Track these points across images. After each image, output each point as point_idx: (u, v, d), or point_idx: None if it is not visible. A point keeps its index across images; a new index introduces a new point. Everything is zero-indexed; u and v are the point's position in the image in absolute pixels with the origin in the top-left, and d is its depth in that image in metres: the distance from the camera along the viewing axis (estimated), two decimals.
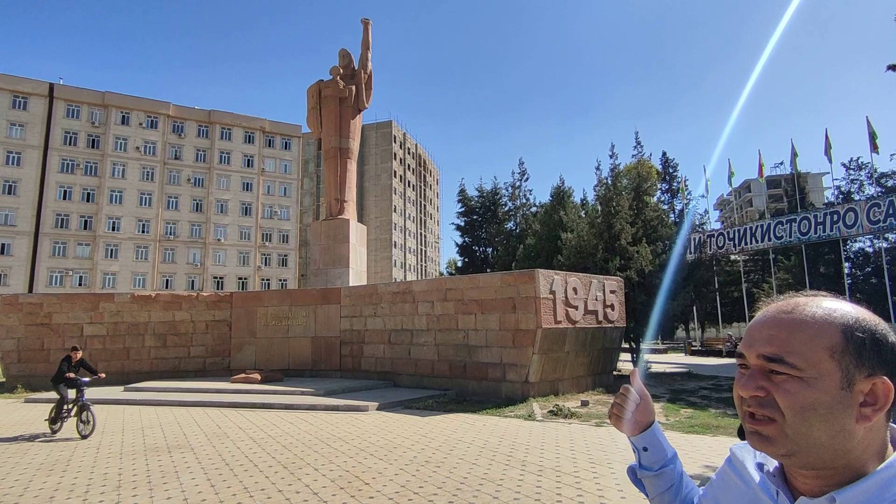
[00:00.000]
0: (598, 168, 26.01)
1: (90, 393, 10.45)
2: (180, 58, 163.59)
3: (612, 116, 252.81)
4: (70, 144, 53.88)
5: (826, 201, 38.50)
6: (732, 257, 33.17)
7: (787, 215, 28.47)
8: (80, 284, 52.08)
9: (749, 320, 0.94)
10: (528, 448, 8.16)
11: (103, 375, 10.44)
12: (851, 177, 31.13)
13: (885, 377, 0.78)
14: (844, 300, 0.86)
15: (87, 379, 9.96)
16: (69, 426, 9.73)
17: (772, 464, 0.92)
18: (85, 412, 9.32)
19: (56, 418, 9.60)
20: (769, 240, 27.76)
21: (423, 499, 5.82)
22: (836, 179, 31.44)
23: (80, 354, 10.24)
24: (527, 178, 36.31)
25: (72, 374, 9.84)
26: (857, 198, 28.37)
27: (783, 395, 0.80)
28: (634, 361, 17.95)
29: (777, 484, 0.88)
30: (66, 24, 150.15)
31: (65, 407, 9.59)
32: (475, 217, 37.38)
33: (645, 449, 1.21)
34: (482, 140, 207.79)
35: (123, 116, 56.50)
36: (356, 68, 20.83)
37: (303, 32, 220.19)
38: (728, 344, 30.57)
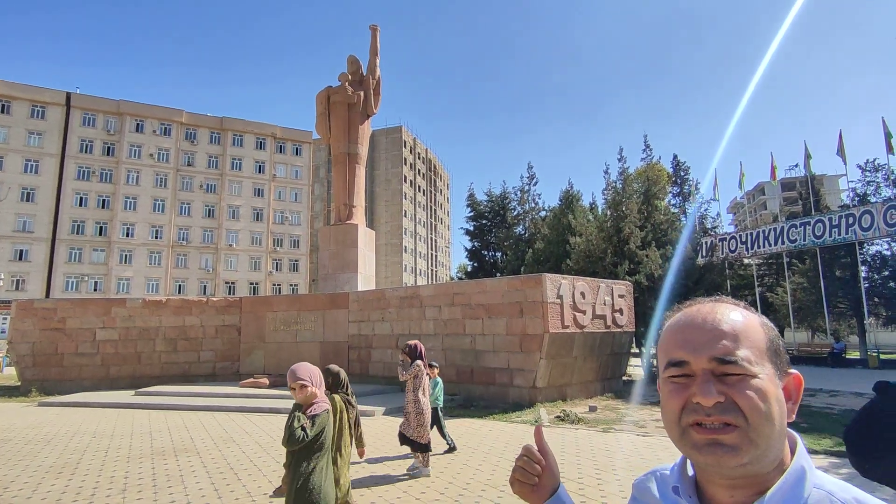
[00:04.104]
0: (606, 172, 25.77)
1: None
2: (192, 60, 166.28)
3: (621, 119, 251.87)
4: (86, 152, 54.85)
5: (841, 203, 37.80)
6: (746, 261, 32.70)
7: (800, 218, 28.03)
8: (95, 290, 52.86)
9: None
10: None
11: None
12: (867, 178, 30.46)
13: (794, 371, 0.85)
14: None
15: None
16: None
17: (686, 483, 0.87)
18: None
19: None
20: (783, 243, 27.37)
21: None
22: (852, 181, 30.77)
23: None
24: (535, 182, 36.22)
25: None
26: (873, 200, 27.83)
27: (743, 395, 0.78)
28: (644, 366, 17.74)
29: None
30: (79, 27, 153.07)
31: None
32: (484, 222, 37.36)
33: None
34: (491, 143, 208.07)
35: (138, 124, 57.43)
36: (365, 74, 20.95)
37: (312, 38, 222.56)
38: None
